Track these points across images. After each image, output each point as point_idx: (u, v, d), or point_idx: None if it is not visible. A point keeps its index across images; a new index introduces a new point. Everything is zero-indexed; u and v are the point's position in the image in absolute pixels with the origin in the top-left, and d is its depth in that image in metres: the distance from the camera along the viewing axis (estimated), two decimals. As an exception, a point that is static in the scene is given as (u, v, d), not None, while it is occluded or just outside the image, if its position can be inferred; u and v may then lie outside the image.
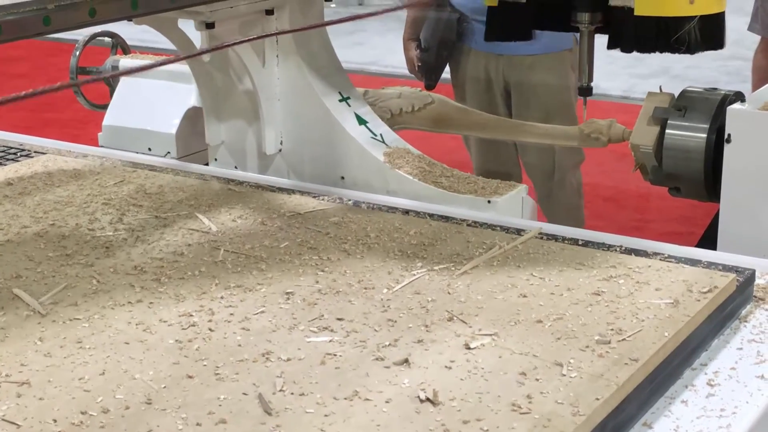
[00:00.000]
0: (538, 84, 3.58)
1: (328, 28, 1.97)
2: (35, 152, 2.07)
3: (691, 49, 1.76)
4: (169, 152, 2.23)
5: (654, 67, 7.42)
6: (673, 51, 1.76)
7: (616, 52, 1.92)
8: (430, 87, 3.53)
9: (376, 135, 1.98)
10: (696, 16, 1.72)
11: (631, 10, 1.72)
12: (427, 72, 3.60)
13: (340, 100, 1.99)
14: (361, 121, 2.00)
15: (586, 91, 1.99)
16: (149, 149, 2.32)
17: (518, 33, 1.97)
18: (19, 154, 2.07)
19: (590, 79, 2.02)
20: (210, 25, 1.82)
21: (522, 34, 1.96)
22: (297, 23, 1.96)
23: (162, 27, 1.86)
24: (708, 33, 1.77)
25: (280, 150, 2.03)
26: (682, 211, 4.28)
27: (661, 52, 1.79)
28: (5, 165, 1.99)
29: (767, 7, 4.31)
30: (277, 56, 1.98)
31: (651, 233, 4.24)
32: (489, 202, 1.84)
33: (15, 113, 6.31)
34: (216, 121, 2.07)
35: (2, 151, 2.09)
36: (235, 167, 2.07)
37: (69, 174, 1.90)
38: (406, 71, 3.84)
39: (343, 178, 1.96)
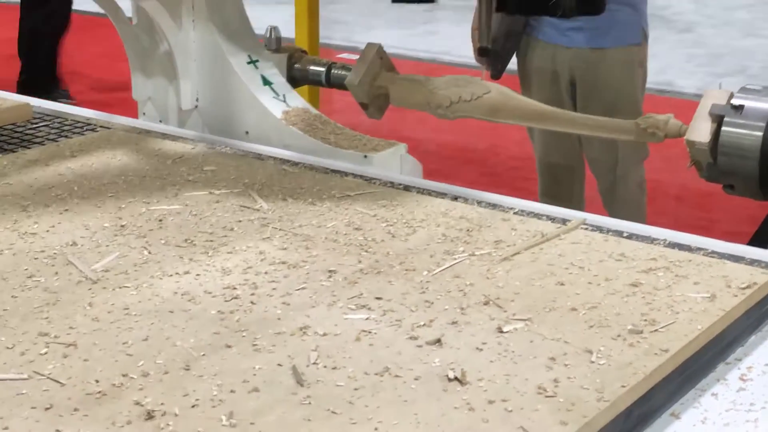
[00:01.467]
0: (604, 78, 3.57)
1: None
2: (101, 127, 2.14)
3: (567, 14, 1.84)
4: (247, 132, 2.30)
5: (732, 66, 7.33)
6: (552, 14, 1.84)
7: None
8: (495, 77, 3.55)
9: (278, 95, 2.20)
10: None
11: None
12: (493, 62, 3.62)
13: (249, 62, 2.20)
14: (266, 82, 2.21)
15: (484, 51, 2.19)
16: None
17: None
18: (85, 128, 2.13)
19: (488, 40, 2.19)
20: None
21: None
22: None
23: None
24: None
25: (196, 106, 2.24)
26: (750, 211, 4.24)
27: (540, 14, 1.89)
28: (71, 138, 2.06)
29: None
30: (192, 21, 2.19)
31: (717, 233, 4.21)
32: (365, 157, 2.02)
33: (92, 92, 6.45)
34: (142, 78, 2.30)
35: (69, 125, 2.16)
36: (160, 121, 2.29)
37: (131, 149, 1.96)
38: (475, 62, 3.87)
39: (247, 132, 2.18)
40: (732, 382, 1.27)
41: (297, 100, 2.24)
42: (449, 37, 7.90)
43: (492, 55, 3.55)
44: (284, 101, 2.21)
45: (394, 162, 2.09)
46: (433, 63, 6.94)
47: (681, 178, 4.59)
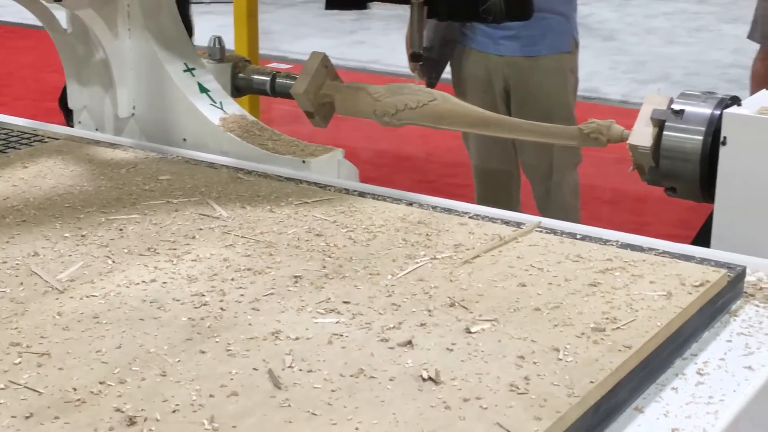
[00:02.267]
0: (538, 85, 3.65)
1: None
2: (48, 138, 2.13)
3: (497, 20, 1.90)
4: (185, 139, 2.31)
5: (655, 73, 7.49)
6: (482, 21, 1.90)
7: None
8: (431, 85, 3.59)
9: (215, 102, 2.24)
10: None
11: None
12: (428, 70, 3.67)
13: (185, 70, 2.24)
14: (203, 90, 2.25)
15: (416, 57, 2.23)
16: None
17: (355, 3, 2.10)
18: (33, 139, 2.12)
19: (420, 47, 2.24)
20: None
21: (359, 4, 2.10)
22: (147, 1, 2.23)
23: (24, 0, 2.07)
24: (512, 5, 1.90)
25: (133, 114, 2.27)
26: (680, 214, 4.34)
27: (471, 21, 1.95)
28: (20, 149, 2.04)
29: (767, 16, 4.37)
30: (128, 29, 2.21)
31: (648, 235, 4.30)
32: (304, 162, 2.08)
33: (19, 102, 6.37)
34: (78, 87, 2.32)
35: (16, 136, 2.14)
36: (96, 129, 2.31)
37: (83, 159, 1.96)
38: (407, 71, 3.91)
39: (185, 139, 2.21)
40: (690, 377, 1.32)
41: (234, 107, 2.28)
42: (377, 46, 7.96)
43: (427, 64, 3.60)
44: (221, 108, 2.24)
45: (331, 166, 2.14)
46: (363, 72, 6.97)
47: (613, 183, 4.69)
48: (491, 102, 3.57)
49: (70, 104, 2.36)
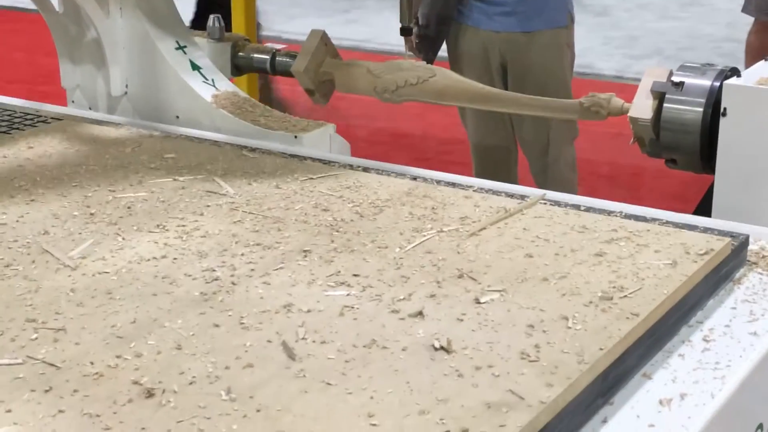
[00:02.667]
0: (535, 61, 3.66)
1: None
2: (51, 118, 2.13)
3: None
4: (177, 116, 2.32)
5: (648, 48, 7.49)
6: None
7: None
8: (428, 62, 3.60)
9: (207, 80, 2.25)
10: None
11: None
12: (424, 48, 3.67)
13: (177, 48, 2.25)
14: (195, 67, 2.26)
15: (407, 30, 2.25)
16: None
17: None
18: (36, 120, 2.13)
19: (410, 21, 2.27)
20: None
21: None
22: None
23: None
24: None
25: (126, 92, 2.28)
26: (675, 188, 4.37)
27: None
28: (23, 130, 2.05)
29: (761, -11, 4.37)
30: (120, 8, 2.23)
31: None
32: (296, 137, 2.09)
33: (13, 85, 6.36)
34: (71, 66, 2.33)
35: (19, 118, 2.15)
36: (90, 108, 2.33)
37: (87, 139, 1.97)
38: (400, 49, 3.92)
39: (177, 117, 2.23)
40: (696, 344, 1.34)
41: (226, 84, 2.29)
42: (370, 24, 7.95)
43: (423, 42, 3.61)
44: (213, 85, 2.26)
45: (323, 141, 2.16)
46: (356, 51, 6.97)
47: (608, 158, 4.71)
48: (488, 79, 3.58)
49: (63, 84, 2.38)
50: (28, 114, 2.16)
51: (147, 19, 2.23)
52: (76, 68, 2.34)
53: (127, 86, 2.29)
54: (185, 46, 2.27)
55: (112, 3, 2.22)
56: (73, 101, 2.38)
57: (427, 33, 3.67)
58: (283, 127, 2.15)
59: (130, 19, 2.24)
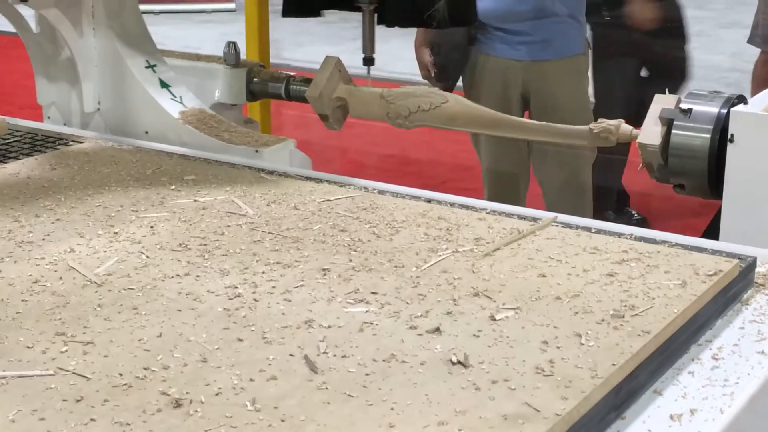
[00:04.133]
0: (557, 89, 3.68)
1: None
2: (72, 141, 2.18)
3: (440, 25, 1.96)
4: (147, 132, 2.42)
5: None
6: (427, 26, 1.96)
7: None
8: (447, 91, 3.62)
9: (176, 97, 2.36)
10: None
11: None
12: (443, 78, 3.69)
13: (147, 67, 2.36)
14: (164, 85, 2.37)
15: (369, 60, 2.31)
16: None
17: (310, 10, 2.17)
18: (57, 142, 2.18)
19: (371, 51, 2.35)
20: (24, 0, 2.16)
21: (313, 11, 2.17)
22: (111, 1, 2.35)
23: None
24: (455, 11, 1.96)
25: (98, 109, 2.38)
26: (683, 217, 4.41)
27: (416, 26, 2.00)
28: (46, 152, 2.10)
29: (767, 21, 4.43)
30: (93, 28, 2.33)
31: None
32: (257, 151, 2.19)
33: (24, 111, 6.42)
34: (46, 83, 2.44)
35: (41, 140, 2.20)
36: (64, 124, 2.42)
37: (108, 161, 2.01)
38: (409, 77, 3.94)
39: (147, 132, 2.33)
40: (706, 361, 1.38)
41: (193, 101, 2.39)
42: (379, 52, 8.00)
43: (442, 71, 3.63)
44: (181, 102, 2.36)
45: (284, 156, 2.26)
46: (365, 78, 7.03)
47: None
48: (506, 107, 3.58)
49: (39, 100, 2.48)
50: (50, 137, 2.21)
51: (118, 38, 2.34)
52: (51, 86, 2.45)
53: (99, 103, 2.40)
54: (155, 65, 2.38)
55: (85, 23, 2.33)
56: (48, 117, 2.48)
57: (445, 63, 3.69)
58: (245, 142, 2.25)
59: (103, 39, 2.35)
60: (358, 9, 2.13)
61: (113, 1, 2.34)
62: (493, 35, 3.63)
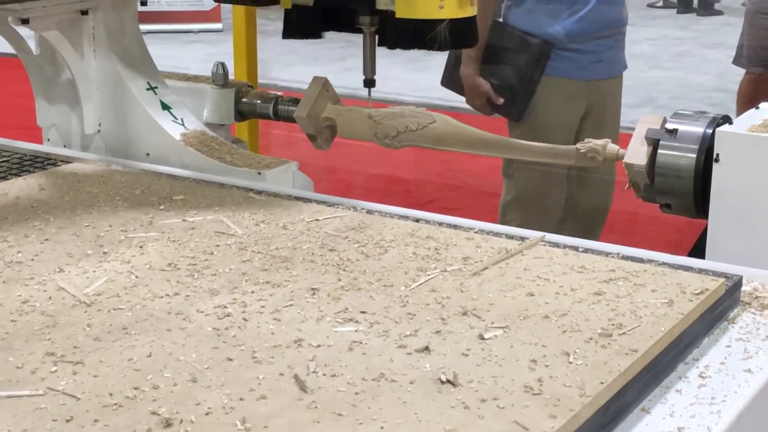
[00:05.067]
0: (612, 105, 3.64)
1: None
2: (61, 161, 2.19)
3: (442, 47, 1.96)
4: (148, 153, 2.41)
5: (641, 97, 7.59)
6: (429, 48, 1.96)
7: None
8: (518, 120, 3.51)
9: (177, 119, 2.35)
10: (445, 20, 1.91)
11: (394, 12, 1.92)
12: (515, 110, 3.52)
13: (148, 89, 2.36)
14: (165, 107, 2.36)
15: (370, 83, 2.26)
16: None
17: (311, 32, 2.16)
18: (45, 162, 2.18)
19: (372, 73, 2.28)
20: (25, 21, 2.14)
21: (314, 33, 2.16)
22: (112, 24, 2.35)
23: None
24: (457, 34, 1.96)
25: (99, 131, 2.38)
26: (668, 236, 4.43)
27: (418, 48, 2.00)
28: (34, 172, 2.10)
29: (752, 42, 4.48)
30: (94, 50, 2.33)
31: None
32: (259, 173, 2.19)
33: (12, 131, 6.42)
34: (46, 105, 2.43)
35: (29, 160, 2.20)
36: (64, 146, 2.41)
37: (97, 181, 2.02)
38: (396, 97, 3.87)
39: (148, 154, 2.32)
40: (693, 380, 1.38)
41: (195, 123, 2.38)
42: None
43: (512, 102, 3.50)
44: (182, 124, 2.36)
45: (286, 178, 2.25)
46: (352, 98, 7.05)
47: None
48: (570, 128, 3.50)
49: (39, 122, 2.47)
50: (38, 157, 2.21)
51: (119, 60, 2.34)
52: (51, 107, 2.44)
53: (100, 125, 2.39)
54: (156, 87, 2.38)
55: (86, 45, 2.33)
56: (48, 139, 2.47)
57: (514, 92, 3.53)
58: (247, 164, 2.24)
59: (103, 61, 2.34)
60: (359, 31, 2.13)
61: (114, 23, 2.35)
62: (564, 57, 3.48)
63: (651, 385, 1.35)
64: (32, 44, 2.39)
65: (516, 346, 1.34)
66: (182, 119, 2.37)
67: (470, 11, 1.98)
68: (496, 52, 3.52)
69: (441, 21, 1.93)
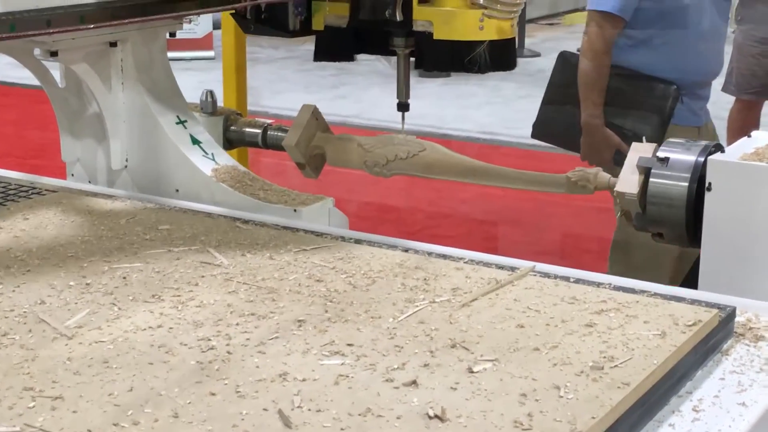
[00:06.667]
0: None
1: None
2: (46, 190, 2.16)
3: (482, 69, 1.91)
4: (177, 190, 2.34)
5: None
6: (467, 71, 1.92)
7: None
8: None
9: (207, 154, 2.29)
10: (485, 41, 1.87)
11: (431, 34, 1.88)
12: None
13: (177, 123, 2.30)
14: (195, 141, 2.30)
15: (404, 106, 2.23)
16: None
17: (342, 55, 2.12)
18: (30, 192, 2.15)
19: (406, 96, 2.25)
20: (54, 54, 2.09)
21: (346, 56, 2.12)
22: (140, 56, 2.28)
23: (18, 55, 2.13)
24: (498, 56, 1.91)
25: (126, 166, 2.31)
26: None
27: (456, 71, 1.95)
28: (18, 201, 2.07)
29: (741, 69, 4.48)
30: (122, 83, 2.27)
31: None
32: (295, 210, 2.12)
33: (3, 159, 6.39)
34: (71, 139, 2.37)
35: (14, 189, 2.17)
36: (89, 181, 2.35)
37: (82, 211, 1.99)
38: (388, 124, 3.84)
39: (177, 190, 2.25)
40: (686, 413, 1.36)
41: (225, 158, 2.32)
42: (359, 100, 8.03)
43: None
44: (213, 159, 2.29)
45: (322, 215, 2.19)
46: (344, 126, 7.04)
47: (596, 232, 4.74)
48: None
49: (64, 157, 2.40)
50: (23, 186, 2.18)
51: (148, 93, 2.28)
52: (76, 142, 2.37)
53: (127, 160, 2.32)
54: (185, 121, 2.31)
55: (114, 77, 2.27)
56: (72, 174, 2.40)
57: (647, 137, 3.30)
58: (282, 201, 2.18)
59: (132, 94, 2.28)
60: (393, 53, 2.09)
61: (143, 55, 2.28)
62: (685, 104, 3.24)
63: (644, 419, 1.32)
64: (57, 76, 2.33)
65: (506, 380, 1.31)
66: (212, 154, 2.30)
67: (510, 32, 1.94)
68: (615, 97, 3.20)
69: (480, 42, 1.89)
